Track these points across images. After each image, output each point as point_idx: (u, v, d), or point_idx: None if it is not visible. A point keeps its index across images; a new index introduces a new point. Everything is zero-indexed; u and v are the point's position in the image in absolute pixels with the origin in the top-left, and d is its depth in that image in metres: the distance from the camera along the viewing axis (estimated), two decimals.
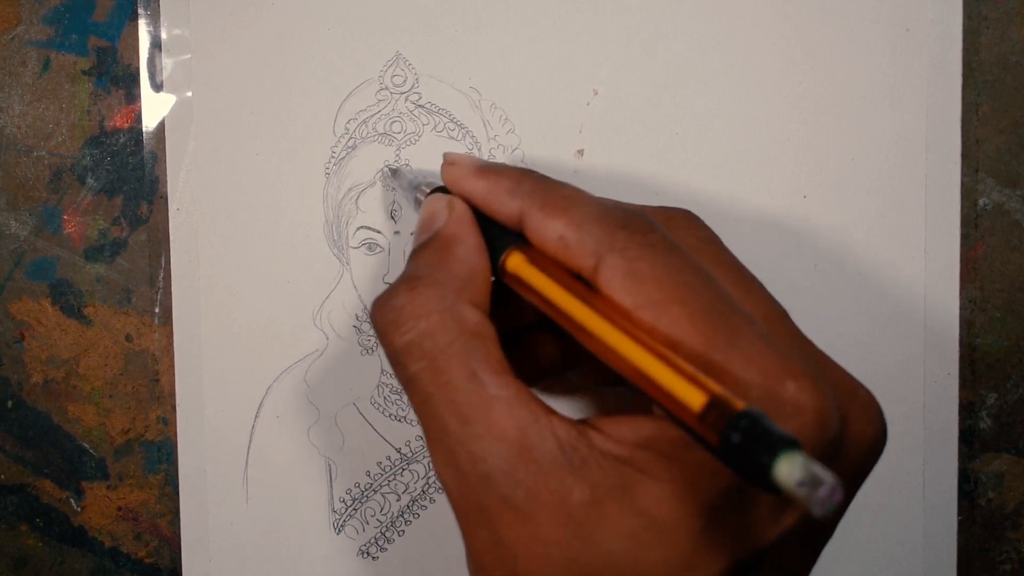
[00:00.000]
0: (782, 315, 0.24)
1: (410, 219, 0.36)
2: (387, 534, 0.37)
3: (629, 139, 0.36)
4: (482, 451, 0.22)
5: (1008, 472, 0.37)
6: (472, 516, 0.23)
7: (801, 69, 0.36)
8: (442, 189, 0.29)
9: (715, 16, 0.36)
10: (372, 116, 0.36)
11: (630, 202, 0.27)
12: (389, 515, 0.37)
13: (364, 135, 0.36)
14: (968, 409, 0.37)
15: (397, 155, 0.36)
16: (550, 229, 0.24)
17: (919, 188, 0.36)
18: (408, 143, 0.36)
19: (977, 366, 0.37)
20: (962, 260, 0.36)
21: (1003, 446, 0.37)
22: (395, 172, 0.35)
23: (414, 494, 0.37)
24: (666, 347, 0.22)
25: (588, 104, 0.36)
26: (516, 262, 0.25)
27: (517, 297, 0.26)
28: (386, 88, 0.36)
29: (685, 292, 0.22)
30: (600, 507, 0.21)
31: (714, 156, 0.36)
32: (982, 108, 0.36)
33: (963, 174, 0.36)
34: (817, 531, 0.24)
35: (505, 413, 0.22)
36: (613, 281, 0.23)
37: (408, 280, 0.24)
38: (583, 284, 0.24)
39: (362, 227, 0.36)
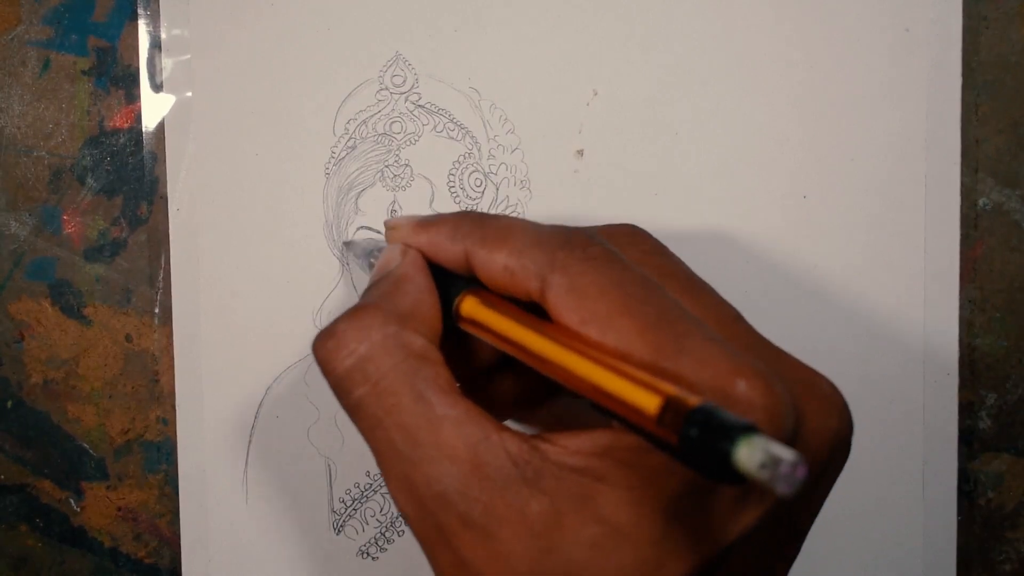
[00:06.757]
0: (735, 317, 0.24)
1: None
2: (387, 534, 0.37)
3: (629, 139, 0.36)
4: (435, 472, 0.22)
5: (1008, 472, 0.37)
6: (433, 539, 0.23)
7: (801, 69, 0.36)
8: None
9: (715, 16, 0.36)
10: (372, 116, 0.36)
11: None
12: (389, 515, 0.37)
13: (364, 135, 0.36)
14: (968, 409, 0.37)
15: (397, 155, 0.36)
16: (494, 262, 0.24)
17: (919, 188, 0.36)
18: (408, 143, 0.36)
19: (977, 366, 0.37)
20: (961, 260, 0.36)
21: (1003, 446, 0.37)
22: (349, 244, 0.35)
23: None
24: (617, 359, 0.22)
25: (588, 104, 0.36)
26: (469, 305, 0.25)
27: (479, 341, 0.26)
28: (386, 88, 0.36)
29: (630, 303, 0.22)
30: (560, 517, 0.21)
31: (714, 156, 0.36)
32: (982, 108, 0.36)
33: (963, 174, 0.36)
34: (785, 529, 0.24)
35: (454, 432, 0.22)
36: (559, 299, 0.23)
37: (352, 309, 0.24)
38: (534, 316, 0.24)
39: (362, 227, 0.36)
